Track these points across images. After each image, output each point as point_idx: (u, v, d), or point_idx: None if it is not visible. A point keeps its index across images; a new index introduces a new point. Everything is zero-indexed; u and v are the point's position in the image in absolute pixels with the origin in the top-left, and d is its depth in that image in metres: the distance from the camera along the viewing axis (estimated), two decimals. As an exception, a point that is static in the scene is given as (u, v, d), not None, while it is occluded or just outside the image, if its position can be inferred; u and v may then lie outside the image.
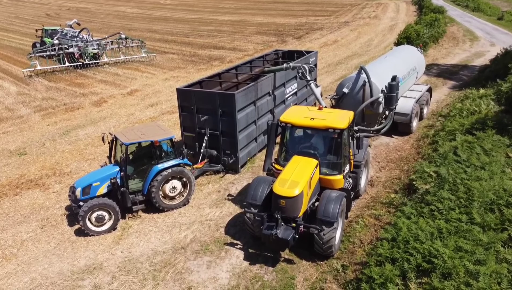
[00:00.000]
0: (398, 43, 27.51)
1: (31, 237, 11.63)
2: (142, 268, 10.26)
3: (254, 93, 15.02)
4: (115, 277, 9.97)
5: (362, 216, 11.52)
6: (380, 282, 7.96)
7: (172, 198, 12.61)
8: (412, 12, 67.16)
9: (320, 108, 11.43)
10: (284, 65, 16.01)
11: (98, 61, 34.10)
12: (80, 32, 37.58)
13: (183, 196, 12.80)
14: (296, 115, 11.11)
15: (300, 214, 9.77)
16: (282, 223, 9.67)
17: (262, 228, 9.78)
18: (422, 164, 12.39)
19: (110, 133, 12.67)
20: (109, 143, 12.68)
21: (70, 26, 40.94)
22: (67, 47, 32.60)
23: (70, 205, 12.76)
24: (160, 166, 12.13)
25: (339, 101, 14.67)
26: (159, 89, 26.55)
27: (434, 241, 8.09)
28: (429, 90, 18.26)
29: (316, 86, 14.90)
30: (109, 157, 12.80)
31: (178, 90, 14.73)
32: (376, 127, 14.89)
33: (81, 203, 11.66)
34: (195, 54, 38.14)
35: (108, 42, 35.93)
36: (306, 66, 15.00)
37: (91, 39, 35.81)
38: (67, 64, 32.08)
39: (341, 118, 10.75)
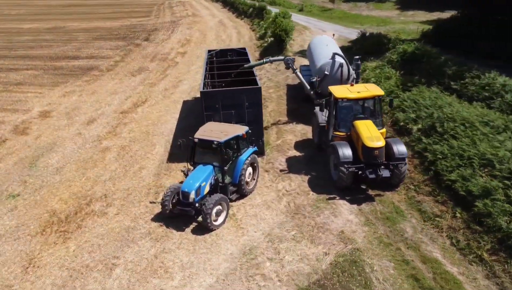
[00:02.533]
0: (276, 35, 32.58)
1: (165, 249, 11.79)
2: (288, 234, 12.30)
3: (257, 86, 17.51)
4: (278, 246, 11.77)
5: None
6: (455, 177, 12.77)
7: (248, 183, 14.42)
8: (221, 8, 74.37)
9: (352, 85, 15.28)
10: (264, 60, 18.91)
11: None
12: None
13: (254, 179, 14.73)
14: (343, 91, 14.66)
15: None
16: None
17: (365, 175, 13.25)
18: (399, 114, 17.71)
19: (190, 138, 13.43)
20: (187, 148, 13.48)
21: None
22: None
23: (161, 214, 13.07)
24: (244, 157, 13.83)
25: (321, 82, 18.64)
26: (70, 106, 24.64)
27: (479, 148, 13.33)
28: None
29: (300, 72, 18.54)
30: (190, 161, 13.58)
31: (202, 92, 15.96)
32: None
33: (196, 205, 12.48)
34: (56, 67, 34.96)
35: None
36: (292, 58, 18.37)
37: None
38: None
39: (377, 88, 14.92)
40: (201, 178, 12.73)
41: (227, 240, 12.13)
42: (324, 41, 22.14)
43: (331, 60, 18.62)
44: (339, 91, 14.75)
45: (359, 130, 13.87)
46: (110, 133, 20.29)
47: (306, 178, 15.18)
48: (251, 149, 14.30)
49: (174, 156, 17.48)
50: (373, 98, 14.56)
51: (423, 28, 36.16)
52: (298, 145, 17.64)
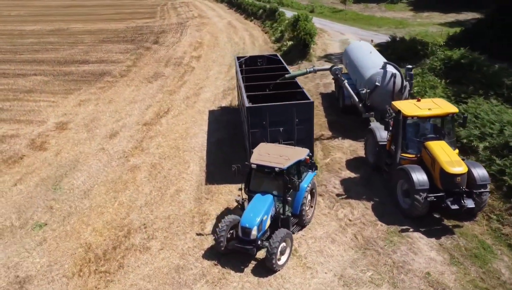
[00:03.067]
0: (299, 38, 30.88)
1: (219, 297, 10.19)
2: (364, 276, 10.69)
3: (303, 98, 15.93)
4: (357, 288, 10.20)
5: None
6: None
7: (306, 211, 12.79)
8: (227, 9, 72.79)
9: (418, 100, 13.69)
10: (307, 69, 17.31)
11: None
12: None
13: (312, 207, 13.11)
14: (412, 108, 13.07)
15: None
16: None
17: (446, 205, 11.68)
18: (460, 131, 16.11)
19: (246, 163, 11.81)
20: (242, 174, 11.88)
21: None
22: None
23: (212, 249, 11.42)
24: (304, 183, 12.20)
25: (371, 93, 17.06)
26: (88, 117, 22.92)
27: None
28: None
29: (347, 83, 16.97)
30: (245, 188, 11.96)
31: (249, 108, 14.34)
32: None
33: (258, 242, 10.88)
34: (66, 72, 33.17)
35: None
36: (339, 67, 16.82)
37: None
38: None
39: (449, 104, 13.35)
40: (262, 210, 11.09)
41: (296, 284, 10.52)
42: (365, 47, 20.58)
43: (382, 70, 17.02)
44: (407, 107, 13.13)
45: (434, 153, 12.28)
46: (137, 149, 18.60)
47: (369, 204, 13.57)
48: (311, 174, 12.70)
49: (212, 176, 15.86)
50: (447, 116, 12.98)
51: (448, 32, 34.77)
52: (350, 165, 16.02)
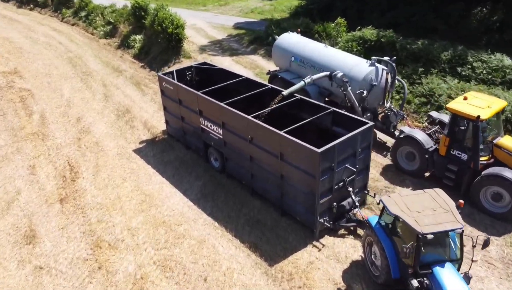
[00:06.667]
0: (167, 33, 25.21)
1: None
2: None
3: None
4: None
5: None
6: None
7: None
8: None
9: (465, 98, 13.01)
10: (305, 80, 14.30)
11: None
12: None
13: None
14: (476, 109, 12.25)
15: None
16: None
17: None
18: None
19: (421, 235, 8.75)
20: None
21: None
22: None
23: None
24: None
25: (369, 93, 15.34)
26: None
27: None
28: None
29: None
30: (416, 267, 9.02)
31: (322, 153, 10.72)
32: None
33: None
34: None
35: None
36: (340, 72, 14.48)
37: None
38: None
39: (496, 98, 13.43)
40: (464, 282, 8.71)
41: None
42: (306, 41, 18.44)
43: (373, 68, 15.52)
44: (478, 111, 12.09)
45: (517, 150, 12.09)
46: (99, 251, 11.95)
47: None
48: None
49: (264, 251, 11.66)
50: (503, 110, 12.85)
51: (291, 6, 35.58)
52: (392, 178, 14.29)
